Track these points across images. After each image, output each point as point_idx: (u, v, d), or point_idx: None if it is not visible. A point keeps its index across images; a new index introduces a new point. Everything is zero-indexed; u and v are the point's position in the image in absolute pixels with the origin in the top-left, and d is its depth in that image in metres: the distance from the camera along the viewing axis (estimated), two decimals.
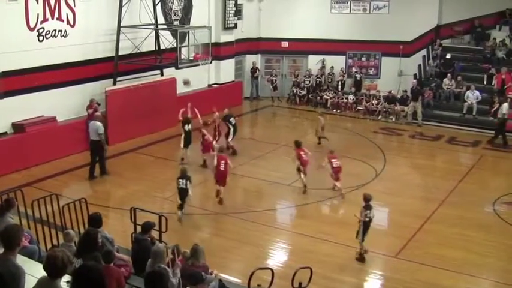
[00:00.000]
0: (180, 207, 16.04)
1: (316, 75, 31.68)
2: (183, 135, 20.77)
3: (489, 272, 13.75)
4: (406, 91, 28.49)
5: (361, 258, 14.00)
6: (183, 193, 16.06)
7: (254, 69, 31.89)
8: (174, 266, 9.55)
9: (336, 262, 13.82)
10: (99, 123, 19.11)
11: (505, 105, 24.62)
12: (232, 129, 22.17)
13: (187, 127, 20.79)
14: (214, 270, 10.55)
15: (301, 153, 18.61)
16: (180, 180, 16.11)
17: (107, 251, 9.43)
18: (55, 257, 6.30)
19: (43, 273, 6.42)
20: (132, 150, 22.38)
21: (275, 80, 32.06)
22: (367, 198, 14.16)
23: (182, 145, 20.80)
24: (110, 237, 10.66)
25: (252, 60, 32.15)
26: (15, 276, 6.61)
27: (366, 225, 13.95)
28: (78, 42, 21.83)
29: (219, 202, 17.35)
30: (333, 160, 18.38)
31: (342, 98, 30.13)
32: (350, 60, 32.18)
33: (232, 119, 22.35)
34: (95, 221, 10.59)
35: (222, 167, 17.39)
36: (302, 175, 18.44)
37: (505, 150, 23.94)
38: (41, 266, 6.68)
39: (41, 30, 20.46)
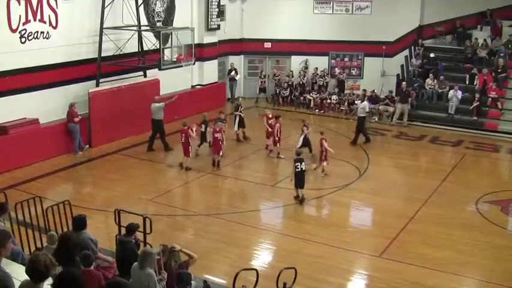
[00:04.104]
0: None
1: (299, 76, 31.73)
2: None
3: (473, 270, 13.83)
4: (391, 91, 28.63)
5: (296, 199, 17.58)
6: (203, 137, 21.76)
7: (230, 70, 31.73)
8: (161, 272, 9.51)
9: (320, 262, 13.84)
10: (158, 104, 22.39)
11: (364, 103, 25.10)
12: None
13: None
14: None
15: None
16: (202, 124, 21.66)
17: (85, 255, 9.29)
18: (37, 261, 6.25)
19: (26, 277, 6.38)
20: (115, 152, 22.29)
21: (263, 82, 32.09)
22: (297, 153, 18.05)
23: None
24: (94, 239, 10.62)
25: (235, 61, 32.14)
26: (4, 282, 6.57)
27: (297, 174, 17.36)
28: (61, 43, 21.70)
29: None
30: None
31: (326, 99, 30.19)
32: (333, 61, 32.29)
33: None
34: (80, 223, 10.52)
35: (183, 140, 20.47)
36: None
37: (483, 149, 24.29)
38: (24, 268, 6.64)
39: (23, 32, 20.32)
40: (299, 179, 17.48)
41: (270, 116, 23.02)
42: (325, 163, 20.04)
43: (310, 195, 18.27)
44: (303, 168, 17.41)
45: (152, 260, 9.21)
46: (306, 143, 21.53)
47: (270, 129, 22.40)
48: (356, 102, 28.13)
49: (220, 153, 20.70)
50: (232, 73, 31.62)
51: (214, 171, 20.38)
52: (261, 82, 32.07)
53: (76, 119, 21.37)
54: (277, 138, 21.79)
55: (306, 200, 17.55)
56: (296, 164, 17.35)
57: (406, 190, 19.80)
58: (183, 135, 20.38)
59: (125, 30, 23.54)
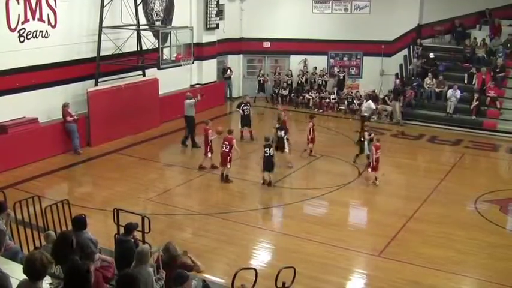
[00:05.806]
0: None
1: (298, 75, 31.70)
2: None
3: (472, 269, 13.86)
4: (391, 91, 28.61)
5: (263, 183, 18.80)
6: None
7: (225, 70, 31.63)
8: (159, 271, 9.49)
9: (319, 261, 13.83)
10: (189, 100, 22.74)
11: (368, 102, 25.29)
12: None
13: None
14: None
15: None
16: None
17: (89, 252, 9.29)
18: (34, 259, 6.20)
19: (25, 276, 6.33)
20: (114, 151, 22.24)
21: (263, 81, 32.04)
22: (266, 139, 19.18)
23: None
24: (94, 239, 10.57)
25: (234, 60, 32.15)
26: (2, 282, 6.54)
27: (266, 159, 18.69)
28: (60, 43, 21.67)
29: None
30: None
31: (325, 98, 30.19)
32: (332, 60, 32.29)
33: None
34: (80, 223, 10.45)
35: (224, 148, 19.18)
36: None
37: (482, 148, 24.37)
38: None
39: (22, 31, 20.28)
40: (267, 164, 18.75)
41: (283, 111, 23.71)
42: (377, 173, 19.59)
43: (310, 194, 18.31)
44: (271, 154, 18.81)
45: (148, 257, 9.22)
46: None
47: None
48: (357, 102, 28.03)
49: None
50: (228, 72, 31.55)
51: (212, 171, 20.29)
52: (261, 81, 31.98)
53: (69, 119, 21.31)
54: (310, 138, 21.90)
55: (307, 198, 17.54)
56: (265, 150, 18.78)
57: (405, 189, 19.83)
58: (204, 134, 20.27)
59: (124, 29, 23.53)
